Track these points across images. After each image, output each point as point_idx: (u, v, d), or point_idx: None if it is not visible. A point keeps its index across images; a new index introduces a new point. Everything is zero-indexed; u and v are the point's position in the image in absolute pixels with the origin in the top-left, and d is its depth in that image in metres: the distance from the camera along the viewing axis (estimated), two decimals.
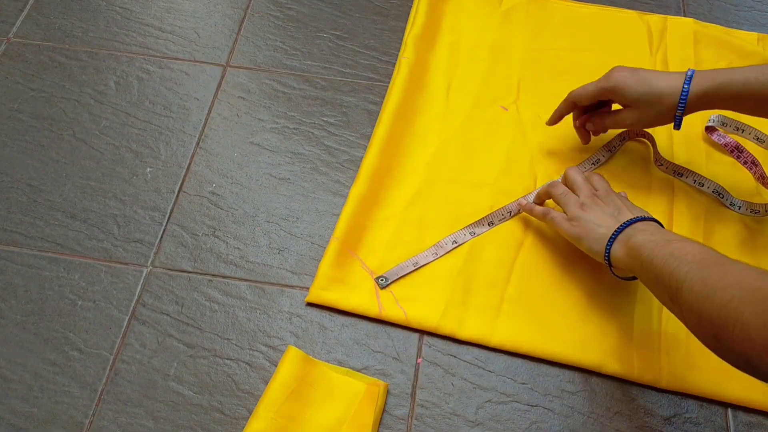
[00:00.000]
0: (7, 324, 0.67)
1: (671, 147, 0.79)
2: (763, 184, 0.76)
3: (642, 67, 0.71)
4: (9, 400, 0.63)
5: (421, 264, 0.71)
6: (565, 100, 0.75)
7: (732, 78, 0.65)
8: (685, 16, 0.93)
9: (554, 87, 0.85)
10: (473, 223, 0.73)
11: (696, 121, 0.81)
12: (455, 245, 0.72)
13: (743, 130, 0.80)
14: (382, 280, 0.69)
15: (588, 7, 0.93)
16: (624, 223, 0.62)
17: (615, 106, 0.74)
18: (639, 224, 0.62)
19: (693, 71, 0.67)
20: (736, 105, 0.67)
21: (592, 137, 0.78)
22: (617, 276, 0.65)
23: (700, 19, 0.91)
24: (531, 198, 0.74)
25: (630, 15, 0.92)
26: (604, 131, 0.77)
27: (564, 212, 0.68)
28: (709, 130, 0.80)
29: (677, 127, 0.69)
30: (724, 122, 0.80)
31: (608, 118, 0.74)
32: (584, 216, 0.65)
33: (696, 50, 0.88)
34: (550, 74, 0.86)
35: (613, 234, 0.62)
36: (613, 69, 0.71)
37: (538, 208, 0.72)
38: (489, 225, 0.73)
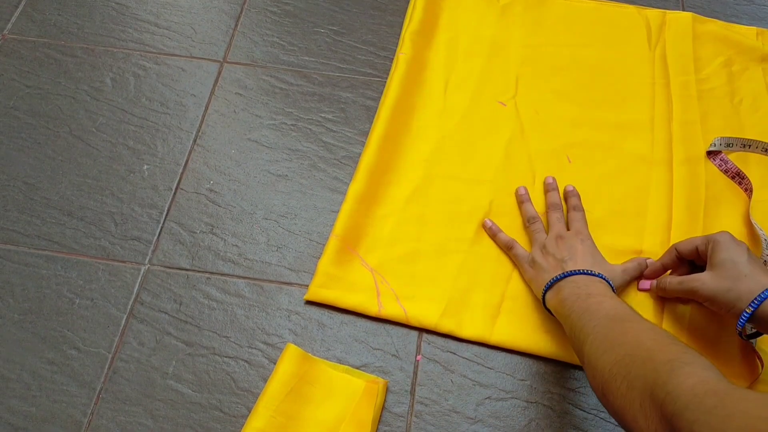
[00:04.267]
0: (4, 323, 0.67)
1: (670, 146, 0.79)
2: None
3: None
4: (7, 400, 0.62)
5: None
6: (669, 252, 0.67)
7: None
8: (683, 10, 0.92)
9: (552, 82, 0.85)
10: None
11: (694, 119, 0.81)
12: None
13: (749, 146, 0.78)
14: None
15: (586, 2, 0.93)
16: (563, 273, 0.62)
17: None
18: (577, 277, 0.61)
19: None
20: None
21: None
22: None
23: (699, 14, 0.91)
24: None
25: (629, 10, 0.92)
26: (670, 296, 0.67)
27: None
28: (712, 155, 0.78)
29: (739, 324, 0.58)
30: (730, 143, 0.78)
31: (684, 283, 0.63)
32: (540, 261, 0.66)
33: (695, 45, 0.87)
34: (548, 70, 0.86)
35: (548, 282, 0.63)
36: (722, 233, 0.63)
37: (502, 236, 0.71)
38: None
